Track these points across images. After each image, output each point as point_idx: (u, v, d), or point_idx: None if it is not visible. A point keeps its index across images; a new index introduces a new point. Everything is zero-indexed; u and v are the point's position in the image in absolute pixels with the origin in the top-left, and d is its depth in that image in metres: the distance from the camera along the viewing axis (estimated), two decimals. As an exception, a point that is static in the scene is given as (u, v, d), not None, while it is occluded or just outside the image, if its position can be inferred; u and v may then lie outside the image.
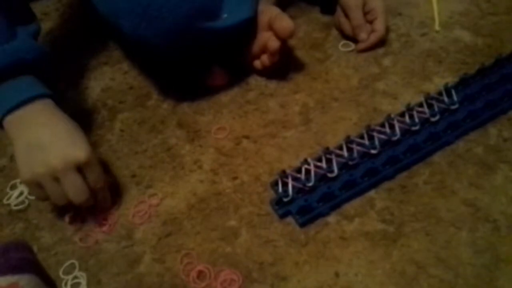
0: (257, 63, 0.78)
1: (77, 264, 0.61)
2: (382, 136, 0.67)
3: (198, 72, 0.79)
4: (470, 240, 0.58)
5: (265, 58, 0.76)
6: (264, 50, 0.75)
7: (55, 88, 0.65)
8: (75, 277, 0.59)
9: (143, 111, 0.78)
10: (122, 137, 0.75)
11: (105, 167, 0.69)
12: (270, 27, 0.73)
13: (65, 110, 0.63)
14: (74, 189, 0.58)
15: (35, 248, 0.61)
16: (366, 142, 0.66)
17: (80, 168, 0.58)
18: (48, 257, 0.62)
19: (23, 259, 0.45)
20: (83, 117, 0.78)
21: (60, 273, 0.60)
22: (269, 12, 0.73)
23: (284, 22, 0.71)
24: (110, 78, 0.84)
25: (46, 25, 0.95)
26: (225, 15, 0.69)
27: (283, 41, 0.74)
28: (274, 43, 0.73)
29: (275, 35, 0.73)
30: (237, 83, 0.80)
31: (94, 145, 0.73)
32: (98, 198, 0.63)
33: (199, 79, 0.79)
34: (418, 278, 0.56)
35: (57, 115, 0.61)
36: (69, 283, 0.59)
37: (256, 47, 0.76)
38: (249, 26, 0.73)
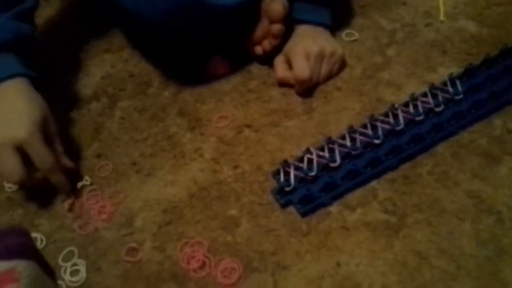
0: (258, 49, 0.77)
1: (76, 251, 0.60)
2: (386, 126, 0.66)
3: (199, 61, 0.78)
4: (473, 231, 0.58)
5: (266, 43, 0.76)
6: (266, 35, 0.75)
7: (37, 66, 0.66)
8: (74, 264, 0.59)
9: (143, 99, 0.77)
10: (122, 125, 0.74)
11: (68, 152, 0.67)
12: (264, 11, 0.73)
13: (48, 88, 0.65)
14: (6, 168, 0.58)
15: (33, 235, 0.61)
16: (369, 132, 0.66)
17: (22, 149, 0.58)
18: (47, 244, 0.61)
19: (21, 244, 0.44)
20: (83, 105, 0.77)
21: (59, 260, 0.60)
22: None
23: (275, 6, 0.71)
24: (110, 65, 0.83)
25: (47, 12, 0.94)
26: None
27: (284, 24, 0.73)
28: (277, 26, 0.73)
29: (268, 18, 0.73)
30: (239, 71, 0.79)
31: (94, 132, 0.73)
32: (51, 180, 0.62)
33: (201, 68, 0.78)
34: (420, 269, 0.55)
35: (17, 94, 0.61)
36: (68, 270, 0.59)
37: (258, 32, 0.75)
38: (251, 11, 0.73)
